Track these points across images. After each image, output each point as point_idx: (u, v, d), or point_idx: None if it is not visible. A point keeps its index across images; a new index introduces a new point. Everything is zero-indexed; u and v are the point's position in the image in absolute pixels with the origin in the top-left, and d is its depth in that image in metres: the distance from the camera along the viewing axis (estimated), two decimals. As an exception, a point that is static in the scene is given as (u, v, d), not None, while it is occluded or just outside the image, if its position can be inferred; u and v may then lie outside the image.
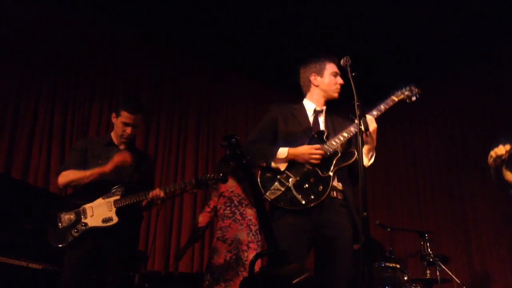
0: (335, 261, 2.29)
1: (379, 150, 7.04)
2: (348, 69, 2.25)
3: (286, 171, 2.36)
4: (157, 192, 2.78)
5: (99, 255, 2.73)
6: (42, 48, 4.58)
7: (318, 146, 2.35)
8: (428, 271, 4.18)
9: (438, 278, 4.07)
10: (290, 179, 2.34)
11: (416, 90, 2.72)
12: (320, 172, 2.33)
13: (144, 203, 2.85)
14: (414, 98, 2.70)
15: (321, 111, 2.62)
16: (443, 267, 4.12)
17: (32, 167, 4.27)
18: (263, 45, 5.46)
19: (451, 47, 5.32)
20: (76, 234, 2.69)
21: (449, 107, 5.84)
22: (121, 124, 2.92)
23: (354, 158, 2.33)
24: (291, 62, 5.62)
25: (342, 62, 2.28)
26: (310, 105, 2.63)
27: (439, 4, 4.63)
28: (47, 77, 4.56)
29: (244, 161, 2.05)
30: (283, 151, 2.38)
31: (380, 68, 5.72)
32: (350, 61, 2.27)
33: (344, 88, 2.40)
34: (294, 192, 2.30)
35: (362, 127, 2.04)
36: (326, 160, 2.36)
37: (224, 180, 2.97)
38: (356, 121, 2.18)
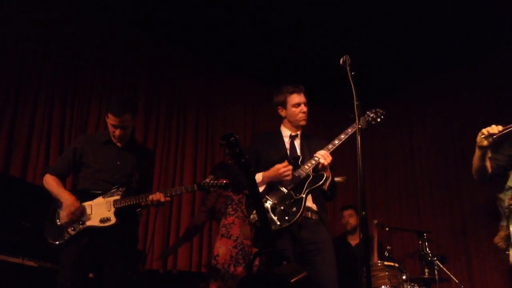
0: (322, 266, 2.54)
1: (379, 149, 7.05)
2: (347, 68, 2.27)
3: (265, 195, 2.57)
4: (157, 196, 2.75)
5: (96, 254, 2.70)
6: (41, 47, 4.57)
7: (285, 163, 2.59)
8: (426, 271, 4.19)
9: (436, 277, 4.08)
10: (269, 203, 2.54)
11: (381, 111, 2.85)
12: (294, 195, 2.55)
13: (143, 204, 2.80)
14: (379, 120, 2.83)
15: (296, 136, 2.89)
16: (441, 266, 4.14)
17: (31, 166, 4.26)
18: (263, 45, 5.46)
19: (451, 47, 5.32)
20: (72, 232, 2.66)
21: (449, 107, 5.85)
22: (110, 125, 2.86)
23: (323, 180, 2.58)
24: (290, 62, 5.70)
25: (341, 61, 2.30)
26: (286, 132, 2.92)
27: (439, 4, 4.63)
28: (45, 76, 4.55)
29: (243, 160, 2.06)
30: (258, 176, 2.61)
31: (380, 68, 5.73)
32: (349, 60, 2.30)
33: (344, 87, 2.40)
34: (271, 214, 2.49)
35: (361, 126, 2.09)
36: (299, 183, 2.58)
37: (226, 188, 2.93)
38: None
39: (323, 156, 2.59)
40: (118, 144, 2.92)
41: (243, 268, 3.48)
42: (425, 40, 5.24)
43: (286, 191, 2.57)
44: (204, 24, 5.11)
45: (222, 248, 3.59)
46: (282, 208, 2.51)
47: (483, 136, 2.52)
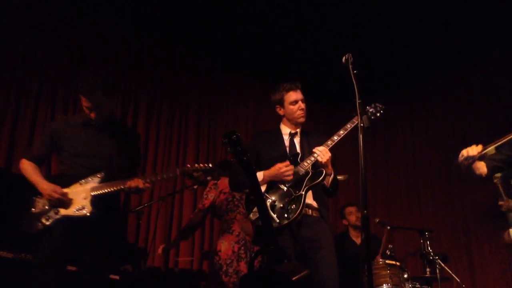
0: (323, 264, 2.52)
1: (380, 148, 7.04)
2: (350, 66, 2.27)
3: (265, 193, 2.55)
4: (136, 182, 2.53)
5: (74, 246, 2.49)
6: (41, 47, 4.58)
7: (286, 162, 2.57)
8: (427, 269, 4.19)
9: (438, 276, 4.08)
10: (268, 200, 2.52)
11: (380, 106, 2.85)
12: (293, 192, 2.53)
13: (126, 190, 2.58)
14: (378, 114, 2.83)
15: (295, 134, 2.87)
16: (443, 265, 4.13)
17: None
18: (264, 44, 5.45)
19: (451, 47, 5.32)
20: (47, 222, 2.47)
21: (450, 106, 5.84)
22: (85, 108, 2.61)
23: (322, 176, 2.55)
24: (292, 61, 5.70)
25: (343, 59, 2.31)
26: (285, 129, 2.90)
27: (439, 4, 4.62)
28: (46, 76, 4.56)
29: (244, 158, 2.06)
30: (259, 175, 2.58)
31: (382, 68, 5.72)
32: (351, 58, 2.30)
33: (345, 86, 2.40)
34: (270, 212, 2.47)
35: (363, 124, 2.10)
36: (298, 180, 2.56)
37: (211, 172, 2.71)
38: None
39: (321, 153, 2.57)
40: (97, 125, 2.69)
41: (245, 263, 3.48)
42: (427, 40, 5.23)
43: (286, 188, 2.55)
44: (206, 24, 5.11)
45: (224, 244, 3.60)
46: (281, 205, 2.49)
47: (463, 158, 2.57)
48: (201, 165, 2.64)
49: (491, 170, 2.67)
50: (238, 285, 3.36)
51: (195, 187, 4.30)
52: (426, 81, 6.10)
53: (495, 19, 4.81)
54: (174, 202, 5.15)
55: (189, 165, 2.64)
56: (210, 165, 2.66)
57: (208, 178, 3.90)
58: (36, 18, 4.58)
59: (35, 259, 2.53)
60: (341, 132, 2.66)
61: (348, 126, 2.67)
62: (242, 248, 3.54)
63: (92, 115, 2.63)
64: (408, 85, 6.24)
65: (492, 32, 5.02)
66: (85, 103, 2.60)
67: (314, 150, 2.62)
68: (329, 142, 2.64)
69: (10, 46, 4.39)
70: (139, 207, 3.96)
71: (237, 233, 3.60)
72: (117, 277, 3.39)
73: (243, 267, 3.46)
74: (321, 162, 2.57)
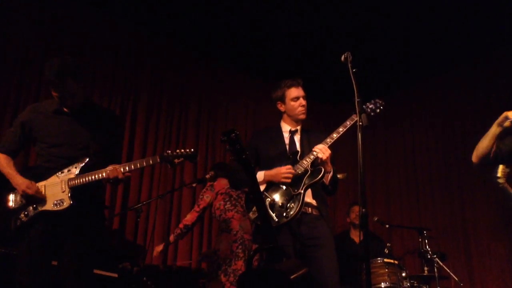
0: (323, 262, 2.51)
1: (380, 147, 7.03)
2: (349, 65, 2.27)
3: (264, 192, 2.56)
4: (114, 173, 2.39)
5: (55, 241, 2.37)
6: (41, 47, 4.57)
7: (289, 166, 2.57)
8: (426, 268, 4.20)
9: (436, 275, 4.08)
10: (267, 199, 2.51)
11: (380, 102, 2.83)
12: (292, 191, 2.54)
13: (110, 180, 2.43)
14: (378, 111, 2.81)
15: (296, 131, 2.86)
16: (441, 264, 4.14)
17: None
18: (264, 42, 5.45)
19: (451, 47, 5.31)
20: (25, 219, 2.35)
21: (450, 106, 5.84)
22: (54, 97, 2.46)
23: (321, 174, 2.54)
24: (291, 60, 5.69)
25: (342, 58, 2.30)
26: (285, 127, 2.89)
27: (439, 4, 4.62)
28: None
29: (243, 156, 2.06)
30: (260, 175, 2.60)
31: (382, 67, 5.72)
32: (351, 57, 2.29)
33: (345, 85, 2.40)
34: (269, 211, 2.47)
35: (362, 123, 2.10)
36: (298, 178, 2.56)
37: (193, 157, 2.52)
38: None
39: (321, 150, 2.57)
40: (70, 112, 2.52)
41: (243, 262, 3.49)
42: (427, 40, 5.22)
43: (285, 187, 2.55)
44: (206, 23, 5.11)
45: (222, 243, 3.61)
46: (280, 204, 2.49)
47: (508, 120, 2.40)
48: (182, 150, 2.51)
49: (494, 157, 2.58)
50: (236, 283, 3.37)
51: (194, 185, 4.32)
52: (426, 81, 6.10)
53: (495, 19, 4.80)
54: (172, 199, 5.16)
55: (169, 151, 2.51)
56: (192, 150, 2.53)
57: (207, 176, 3.93)
58: (36, 18, 4.57)
59: (18, 255, 2.42)
60: (340, 129, 2.66)
61: (348, 123, 2.66)
62: (240, 247, 3.55)
63: (67, 103, 2.49)
64: (408, 84, 6.24)
65: (492, 32, 5.02)
66: (53, 92, 2.44)
67: (314, 148, 2.61)
68: (328, 140, 2.64)
69: (10, 46, 4.39)
70: (138, 205, 3.96)
71: (235, 232, 3.62)
72: (115, 275, 3.39)
73: (241, 266, 3.47)
74: (321, 159, 2.56)
